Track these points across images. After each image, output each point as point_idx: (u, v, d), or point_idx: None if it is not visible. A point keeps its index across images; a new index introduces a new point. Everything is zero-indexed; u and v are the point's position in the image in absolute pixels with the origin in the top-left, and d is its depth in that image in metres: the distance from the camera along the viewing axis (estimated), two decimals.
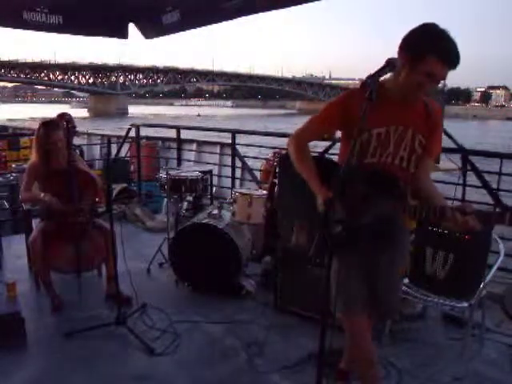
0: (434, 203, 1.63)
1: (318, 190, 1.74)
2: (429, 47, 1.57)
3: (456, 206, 1.53)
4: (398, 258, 1.90)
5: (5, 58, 75.79)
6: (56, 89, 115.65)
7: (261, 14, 3.44)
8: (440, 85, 1.76)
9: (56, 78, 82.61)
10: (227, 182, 5.55)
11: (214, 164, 5.80)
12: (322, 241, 1.68)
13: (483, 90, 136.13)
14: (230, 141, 5.39)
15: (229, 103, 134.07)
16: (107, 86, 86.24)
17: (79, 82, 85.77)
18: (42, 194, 3.02)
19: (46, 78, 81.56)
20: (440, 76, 1.62)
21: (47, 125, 3.08)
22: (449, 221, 1.52)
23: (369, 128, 1.71)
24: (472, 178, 3.59)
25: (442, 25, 1.60)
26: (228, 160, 5.49)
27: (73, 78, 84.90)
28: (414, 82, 1.64)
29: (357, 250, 1.82)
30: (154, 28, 4.14)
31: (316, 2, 3.15)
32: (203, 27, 3.90)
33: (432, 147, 1.81)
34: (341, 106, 1.78)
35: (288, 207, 2.01)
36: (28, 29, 3.71)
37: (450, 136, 1.91)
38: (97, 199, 3.21)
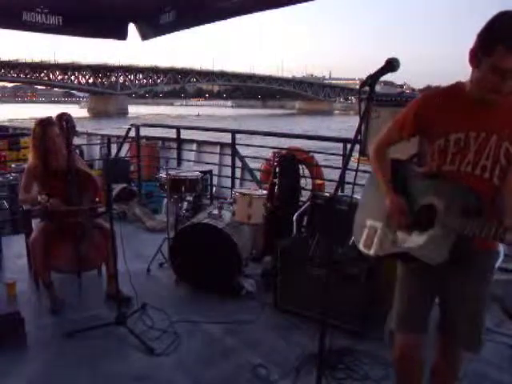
0: (503, 222, 1.44)
1: (389, 196, 1.70)
2: (496, 37, 1.37)
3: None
4: (476, 285, 1.69)
5: (5, 58, 75.84)
6: (56, 89, 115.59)
7: (260, 14, 3.46)
8: None
9: (56, 78, 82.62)
10: (227, 182, 5.55)
11: (214, 164, 5.80)
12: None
13: None
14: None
15: (229, 103, 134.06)
16: (107, 86, 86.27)
17: (79, 82, 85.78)
18: (42, 196, 3.01)
19: (46, 78, 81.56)
20: None
21: (42, 123, 3.09)
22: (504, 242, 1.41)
23: (446, 133, 1.59)
24: None
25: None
26: (228, 160, 5.49)
27: (73, 78, 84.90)
28: (485, 81, 1.45)
29: (419, 271, 1.75)
30: (151, 28, 4.16)
31: (315, 2, 3.16)
32: (202, 27, 3.92)
33: None
34: (415, 111, 1.67)
35: (365, 206, 1.92)
36: (27, 30, 3.71)
37: None
38: (97, 199, 3.21)
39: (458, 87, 1.61)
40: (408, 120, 1.68)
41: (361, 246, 1.84)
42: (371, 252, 1.79)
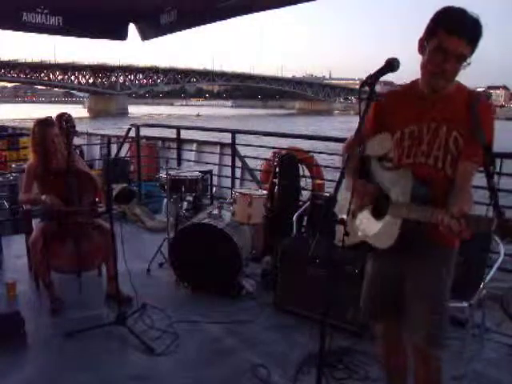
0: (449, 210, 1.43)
1: (351, 179, 1.72)
2: (437, 22, 1.52)
3: (450, 210, 1.41)
4: (431, 281, 1.70)
5: (5, 58, 75.84)
6: (56, 89, 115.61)
7: (260, 14, 3.46)
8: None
9: (56, 78, 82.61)
10: (227, 182, 5.55)
11: (214, 164, 5.80)
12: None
13: (483, 89, 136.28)
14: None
15: (229, 103, 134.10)
16: (107, 86, 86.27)
17: (79, 82, 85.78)
18: (44, 196, 3.01)
19: (46, 78, 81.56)
20: (453, 49, 1.49)
21: (42, 123, 3.09)
22: (441, 225, 1.41)
23: (401, 127, 1.68)
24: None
25: None
26: (228, 160, 5.49)
27: (73, 78, 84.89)
28: (430, 63, 1.55)
29: (377, 260, 1.84)
30: (152, 28, 4.15)
31: (315, 2, 3.16)
32: (202, 27, 3.92)
33: (471, 149, 1.56)
34: (375, 109, 1.74)
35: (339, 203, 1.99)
36: (28, 31, 3.71)
37: None
38: (97, 199, 3.21)
39: (412, 84, 1.70)
40: (370, 118, 1.78)
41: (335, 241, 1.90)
42: (341, 244, 1.85)
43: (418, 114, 1.65)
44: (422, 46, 1.58)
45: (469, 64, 1.55)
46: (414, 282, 1.73)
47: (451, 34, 1.49)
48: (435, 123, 1.62)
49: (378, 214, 1.69)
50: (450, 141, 1.61)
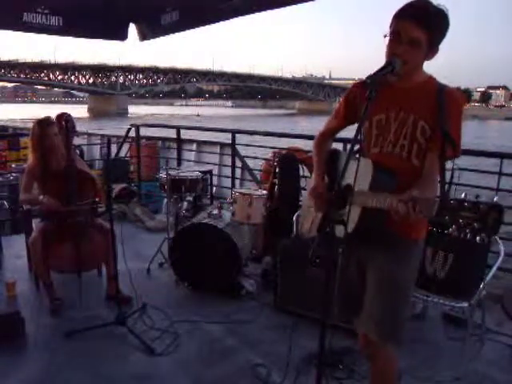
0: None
1: (313, 180, 1.80)
2: (394, 16, 1.57)
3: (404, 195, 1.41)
4: (390, 272, 1.67)
5: (5, 58, 75.92)
6: (56, 89, 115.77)
7: (260, 14, 3.46)
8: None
9: (56, 78, 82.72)
10: (227, 182, 5.55)
11: (214, 164, 5.79)
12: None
13: (483, 89, 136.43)
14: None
15: (229, 103, 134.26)
16: (107, 86, 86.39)
17: (79, 82, 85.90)
18: (41, 196, 3.01)
19: (46, 78, 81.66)
20: (403, 32, 1.52)
21: (41, 123, 3.09)
22: (391, 210, 1.42)
23: (370, 116, 1.66)
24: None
25: None
26: (228, 160, 5.49)
27: (73, 78, 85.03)
28: (388, 48, 1.58)
29: (344, 254, 1.79)
30: (152, 28, 4.15)
31: (315, 2, 3.17)
32: (202, 27, 3.92)
33: (437, 142, 1.56)
34: (346, 99, 1.80)
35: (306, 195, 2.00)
36: (28, 31, 3.71)
37: None
38: (96, 199, 3.21)
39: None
40: (341, 108, 1.82)
41: (302, 231, 1.92)
42: (308, 235, 1.87)
43: (386, 103, 1.65)
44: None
45: (431, 51, 1.57)
46: (370, 274, 1.72)
47: (400, 18, 1.54)
48: (403, 111, 1.63)
49: (340, 204, 1.65)
50: (417, 130, 1.61)
